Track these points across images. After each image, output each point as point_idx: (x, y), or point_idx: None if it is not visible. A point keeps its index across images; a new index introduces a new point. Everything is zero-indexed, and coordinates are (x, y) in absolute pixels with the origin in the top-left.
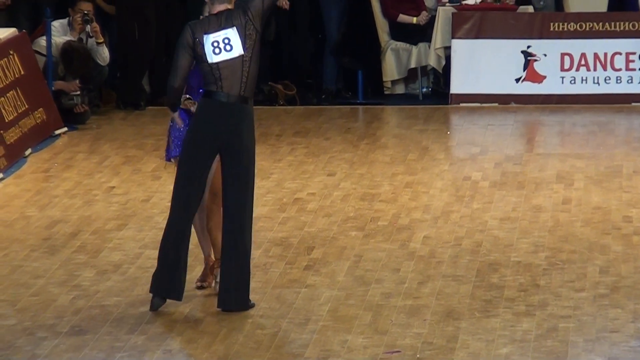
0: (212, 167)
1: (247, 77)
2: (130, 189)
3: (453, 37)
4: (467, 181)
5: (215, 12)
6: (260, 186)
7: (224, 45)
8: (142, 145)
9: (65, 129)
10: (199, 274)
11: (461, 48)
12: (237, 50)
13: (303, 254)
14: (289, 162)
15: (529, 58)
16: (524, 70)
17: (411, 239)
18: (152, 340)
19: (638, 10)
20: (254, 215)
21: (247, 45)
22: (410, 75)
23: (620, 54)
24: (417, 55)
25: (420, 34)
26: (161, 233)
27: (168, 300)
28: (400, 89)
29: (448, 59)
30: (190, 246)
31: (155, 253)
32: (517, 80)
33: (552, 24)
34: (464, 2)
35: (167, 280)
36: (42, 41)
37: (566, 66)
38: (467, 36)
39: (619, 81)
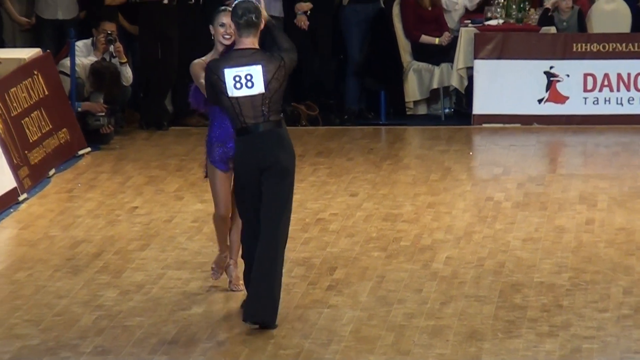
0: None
1: (267, 108)
2: (153, 209)
3: (475, 58)
4: (490, 202)
5: (240, 46)
6: None
7: (246, 82)
8: (165, 165)
9: (89, 149)
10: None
11: (484, 68)
12: (258, 88)
13: (325, 274)
14: (311, 182)
15: (551, 79)
16: (546, 91)
17: (433, 260)
18: None
19: None
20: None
21: (271, 87)
22: (433, 96)
23: None
24: (439, 75)
25: (443, 55)
26: (184, 253)
27: (190, 320)
28: (422, 110)
29: (470, 79)
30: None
31: (177, 273)
32: (540, 100)
33: (575, 44)
34: (486, 23)
35: (260, 306)
36: (68, 62)
37: (589, 87)
38: (489, 57)
39: None
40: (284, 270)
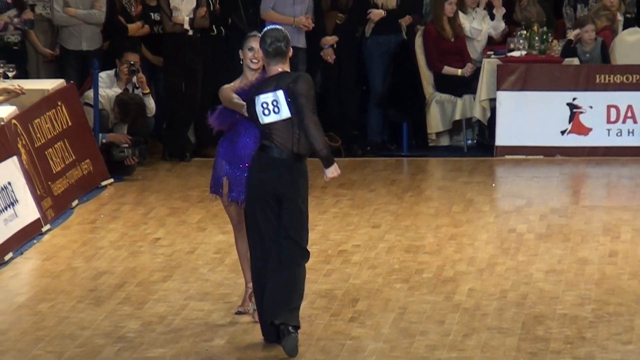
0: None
1: (298, 136)
2: (175, 241)
3: (498, 89)
4: (512, 233)
5: (271, 73)
6: None
7: (273, 108)
8: (187, 196)
9: (112, 180)
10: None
11: (506, 100)
12: (285, 112)
13: (348, 305)
14: (333, 213)
15: (574, 110)
16: (569, 123)
17: (456, 291)
18: None
19: None
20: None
21: (295, 110)
22: (455, 127)
23: None
24: (462, 107)
25: (465, 86)
26: (206, 284)
27: (212, 352)
28: (445, 141)
29: (493, 111)
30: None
31: (200, 304)
32: (563, 132)
33: (598, 75)
34: (509, 54)
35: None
36: (92, 93)
37: (612, 118)
38: (512, 88)
39: None
40: (305, 303)
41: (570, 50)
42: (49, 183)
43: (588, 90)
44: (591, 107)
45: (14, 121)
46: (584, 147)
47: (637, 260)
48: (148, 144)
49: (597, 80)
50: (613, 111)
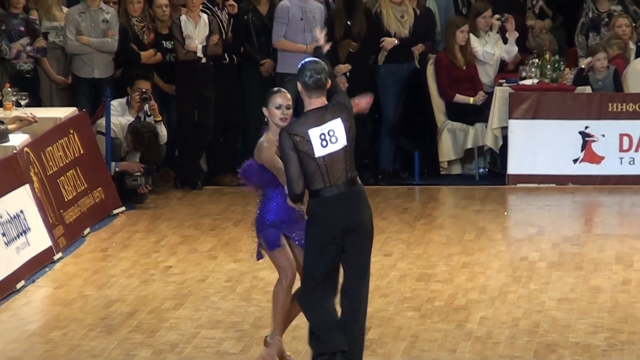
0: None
1: (349, 164)
2: (187, 269)
3: (510, 118)
4: (525, 262)
5: (312, 107)
6: None
7: (330, 137)
8: (199, 225)
9: (123, 208)
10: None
11: (518, 128)
12: (342, 142)
13: None
14: None
15: (586, 139)
16: (581, 151)
17: (468, 320)
18: None
19: None
20: None
21: (350, 137)
22: (467, 156)
23: None
24: (473, 135)
25: (477, 114)
26: (217, 312)
27: None
28: (456, 170)
29: (505, 139)
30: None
31: (211, 333)
32: (575, 160)
33: (610, 104)
34: (521, 83)
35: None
36: (104, 121)
37: (625, 147)
38: (524, 116)
39: None
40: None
41: (582, 78)
42: (61, 211)
43: (600, 119)
44: (603, 136)
45: (26, 149)
46: (597, 176)
47: None
48: (160, 172)
49: (610, 109)
50: (626, 140)
